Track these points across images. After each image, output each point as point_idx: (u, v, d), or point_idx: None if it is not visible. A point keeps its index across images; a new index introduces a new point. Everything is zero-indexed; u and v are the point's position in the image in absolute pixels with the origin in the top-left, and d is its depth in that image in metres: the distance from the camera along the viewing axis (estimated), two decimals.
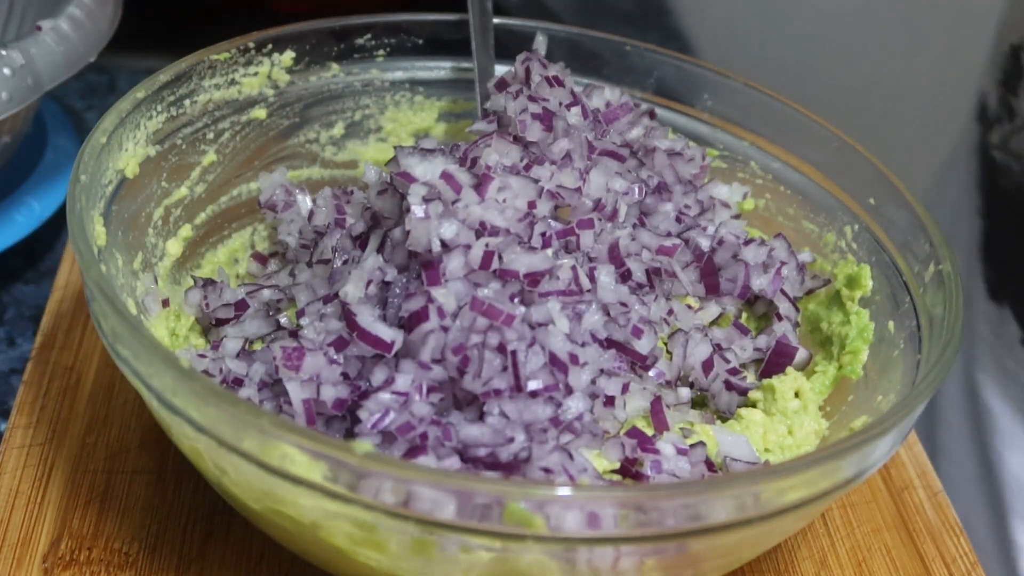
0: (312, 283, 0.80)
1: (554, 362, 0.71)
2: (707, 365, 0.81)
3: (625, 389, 0.74)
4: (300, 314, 0.76)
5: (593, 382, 0.73)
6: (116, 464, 0.80)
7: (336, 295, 0.75)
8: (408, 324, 0.71)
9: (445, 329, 0.71)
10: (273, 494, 0.62)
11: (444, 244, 0.72)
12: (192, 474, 0.79)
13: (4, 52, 0.87)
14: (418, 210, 0.72)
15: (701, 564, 0.67)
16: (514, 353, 0.70)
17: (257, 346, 0.81)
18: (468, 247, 0.72)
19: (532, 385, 0.70)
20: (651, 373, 0.78)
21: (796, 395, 0.83)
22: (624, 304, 0.77)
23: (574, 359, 0.72)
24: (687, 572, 0.68)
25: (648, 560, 0.63)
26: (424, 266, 0.72)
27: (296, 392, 0.70)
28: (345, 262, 0.79)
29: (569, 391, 0.72)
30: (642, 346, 0.76)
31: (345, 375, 0.71)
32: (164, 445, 0.80)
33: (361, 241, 0.79)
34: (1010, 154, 1.10)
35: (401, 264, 0.74)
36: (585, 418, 0.73)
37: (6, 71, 0.86)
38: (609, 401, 0.74)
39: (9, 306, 0.99)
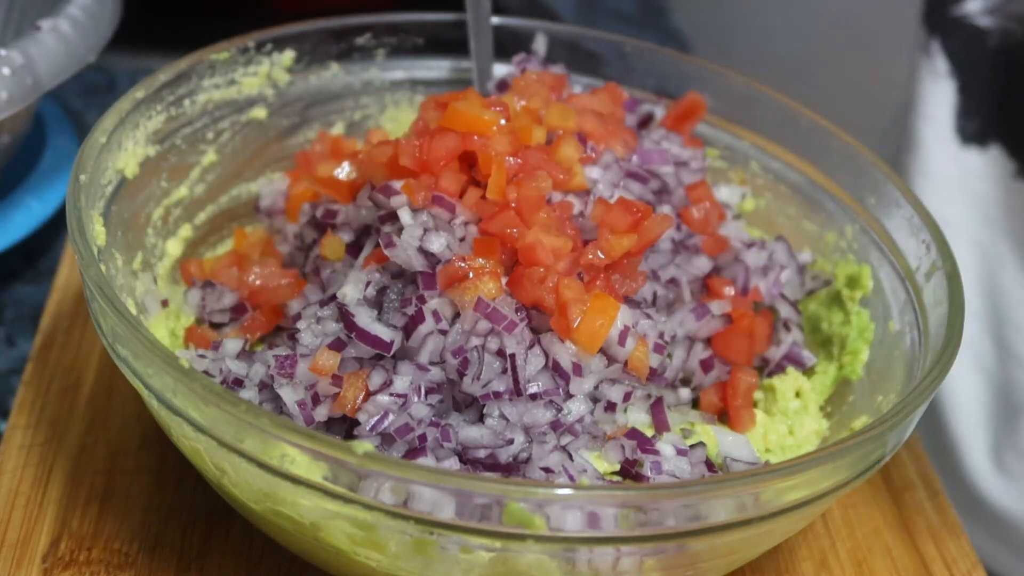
0: (306, 289, 0.80)
1: (556, 370, 0.71)
2: (707, 365, 0.81)
3: (627, 397, 0.74)
4: (296, 318, 0.76)
5: (596, 387, 0.73)
6: (116, 464, 0.80)
7: (332, 298, 0.75)
8: (406, 328, 0.71)
9: (443, 332, 0.71)
10: (273, 494, 0.62)
11: (434, 255, 0.72)
12: (192, 474, 0.79)
13: (4, 52, 0.87)
14: (406, 224, 0.73)
15: (701, 564, 0.67)
16: (513, 357, 0.70)
17: (258, 347, 0.81)
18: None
19: (532, 388, 0.70)
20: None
21: (797, 395, 0.83)
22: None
23: (577, 369, 0.72)
24: (687, 572, 0.68)
25: (648, 560, 0.63)
26: (420, 272, 0.72)
27: (289, 395, 0.70)
28: (335, 271, 0.79)
29: (570, 396, 0.72)
30: (650, 359, 0.76)
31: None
32: (164, 445, 0.80)
33: (352, 248, 0.79)
34: (1011, 18, 1.15)
35: (396, 271, 0.74)
36: (586, 420, 0.72)
37: (6, 71, 0.86)
38: (610, 407, 0.74)
39: (9, 306, 0.99)
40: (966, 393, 1.25)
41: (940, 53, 1.22)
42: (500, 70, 0.94)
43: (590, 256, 0.74)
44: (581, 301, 0.72)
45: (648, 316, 0.76)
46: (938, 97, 1.24)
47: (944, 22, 1.22)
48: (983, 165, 1.21)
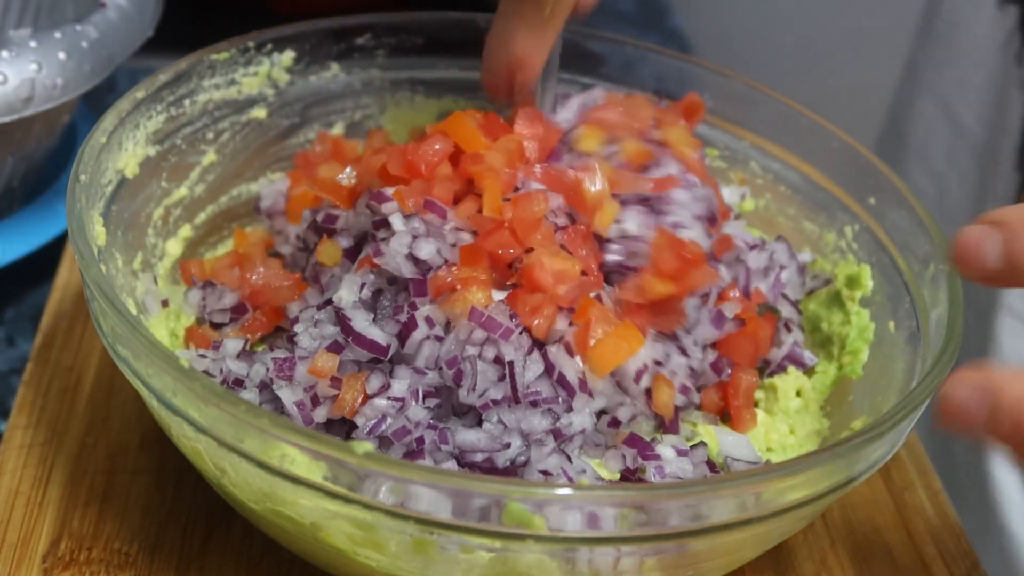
0: (307, 293, 0.80)
1: (561, 382, 0.71)
2: (717, 368, 0.80)
3: (635, 418, 0.74)
4: (294, 321, 0.76)
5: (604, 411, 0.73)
6: (116, 464, 0.80)
7: (329, 302, 0.75)
8: (400, 334, 0.71)
9: (439, 339, 0.70)
10: (273, 494, 0.62)
11: (424, 262, 0.72)
12: (192, 474, 0.79)
13: (79, 27, 0.88)
14: (397, 230, 0.73)
15: (701, 564, 0.67)
16: (511, 364, 0.70)
17: (258, 347, 0.81)
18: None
19: (531, 396, 0.70)
20: None
21: (797, 394, 0.83)
22: None
23: (582, 385, 0.72)
24: (687, 572, 0.68)
25: (648, 560, 0.63)
26: (411, 279, 0.72)
27: (288, 397, 0.70)
28: (333, 275, 0.79)
29: (571, 408, 0.72)
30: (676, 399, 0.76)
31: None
32: (164, 445, 0.80)
33: (352, 253, 0.79)
34: None
35: (391, 275, 0.74)
36: (587, 430, 0.72)
37: (84, 44, 0.87)
38: (614, 423, 0.74)
39: (9, 306, 0.99)
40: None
41: None
42: None
43: (626, 295, 0.73)
44: (608, 322, 0.71)
45: (684, 352, 0.76)
46: None
47: None
48: None
